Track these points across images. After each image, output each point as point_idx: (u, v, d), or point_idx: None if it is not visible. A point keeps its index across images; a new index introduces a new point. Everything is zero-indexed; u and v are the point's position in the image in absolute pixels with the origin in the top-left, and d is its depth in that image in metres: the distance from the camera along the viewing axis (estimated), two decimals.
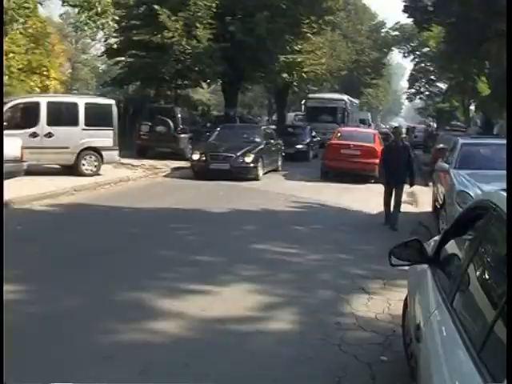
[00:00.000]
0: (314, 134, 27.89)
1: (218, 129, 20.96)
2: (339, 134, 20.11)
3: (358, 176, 17.46)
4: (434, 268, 3.77)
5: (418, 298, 3.86)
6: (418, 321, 3.33)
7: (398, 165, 10.90)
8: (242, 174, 17.26)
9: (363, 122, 48.12)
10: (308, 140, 26.67)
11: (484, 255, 2.94)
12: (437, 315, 2.97)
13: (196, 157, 17.83)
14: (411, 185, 11.45)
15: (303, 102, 40.00)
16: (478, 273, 2.89)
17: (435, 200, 12.18)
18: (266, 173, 18.66)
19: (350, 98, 37.96)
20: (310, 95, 38.76)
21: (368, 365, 4.88)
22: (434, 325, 2.93)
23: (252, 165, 17.62)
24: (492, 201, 2.88)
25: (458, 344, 2.44)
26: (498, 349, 2.16)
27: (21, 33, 28.03)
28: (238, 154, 17.54)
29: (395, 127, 12.20)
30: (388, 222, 10.90)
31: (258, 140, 19.33)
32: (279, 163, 21.12)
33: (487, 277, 2.75)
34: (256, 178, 17.64)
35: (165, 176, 18.29)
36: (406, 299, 4.85)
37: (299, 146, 25.49)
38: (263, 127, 22.50)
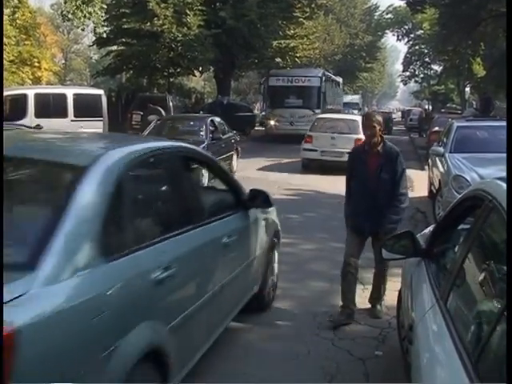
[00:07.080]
0: None
1: None
2: None
3: None
4: (427, 261, 3.57)
5: (411, 292, 3.66)
6: (411, 320, 3.12)
7: (376, 191, 5.51)
8: None
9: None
10: None
11: (480, 251, 2.72)
12: (430, 317, 2.74)
13: None
14: (389, 230, 5.32)
15: (262, 80, 30.57)
16: (473, 270, 2.67)
17: (431, 184, 11.97)
18: None
19: (329, 75, 30.08)
20: (272, 71, 29.12)
21: (361, 360, 4.69)
22: (426, 330, 2.70)
23: None
24: (487, 191, 2.62)
25: (452, 353, 2.22)
26: (494, 358, 1.94)
27: (10, 24, 27.77)
28: None
29: (365, 113, 6.97)
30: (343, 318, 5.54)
31: None
32: None
33: (483, 275, 2.52)
34: None
35: None
36: (400, 290, 4.67)
37: None
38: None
